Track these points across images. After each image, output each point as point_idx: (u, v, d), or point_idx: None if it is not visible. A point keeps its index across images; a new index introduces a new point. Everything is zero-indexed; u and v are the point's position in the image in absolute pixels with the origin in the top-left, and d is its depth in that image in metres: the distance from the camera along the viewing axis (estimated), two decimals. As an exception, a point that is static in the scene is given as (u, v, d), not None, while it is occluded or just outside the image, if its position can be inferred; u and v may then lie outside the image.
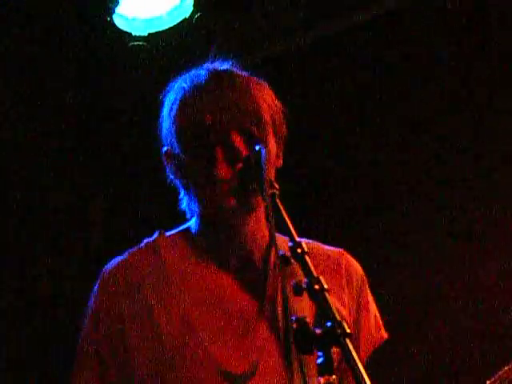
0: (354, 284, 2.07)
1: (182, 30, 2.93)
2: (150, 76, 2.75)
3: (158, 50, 2.94)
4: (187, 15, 3.00)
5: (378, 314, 2.09)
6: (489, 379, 2.14)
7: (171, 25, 3.04)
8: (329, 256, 2.02)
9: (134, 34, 2.89)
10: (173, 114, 2.00)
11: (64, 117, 3.66)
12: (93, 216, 3.82)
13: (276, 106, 2.01)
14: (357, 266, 2.09)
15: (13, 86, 3.46)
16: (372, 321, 2.07)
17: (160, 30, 2.96)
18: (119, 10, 2.83)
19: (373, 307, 2.10)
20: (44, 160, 3.70)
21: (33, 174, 3.74)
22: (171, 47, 2.94)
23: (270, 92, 2.01)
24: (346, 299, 1.98)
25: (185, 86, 2.00)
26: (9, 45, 3.23)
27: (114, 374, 1.99)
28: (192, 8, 2.98)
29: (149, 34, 2.92)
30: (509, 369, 2.19)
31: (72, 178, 3.76)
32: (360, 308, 2.04)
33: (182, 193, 2.04)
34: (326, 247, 2.06)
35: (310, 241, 1.98)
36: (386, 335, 2.08)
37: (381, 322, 2.08)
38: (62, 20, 3.16)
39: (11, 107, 3.47)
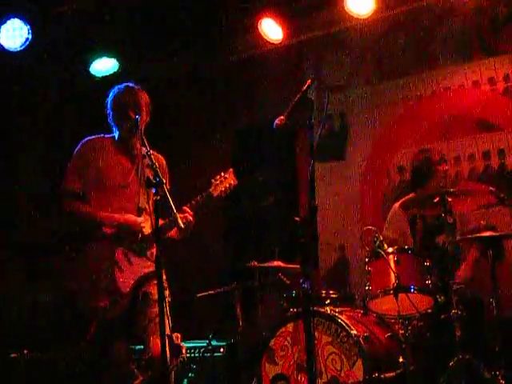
0: (164, 168, 4.98)
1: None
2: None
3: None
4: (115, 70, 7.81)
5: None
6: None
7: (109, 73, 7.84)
8: (157, 158, 4.85)
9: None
10: (112, 99, 4.92)
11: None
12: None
13: (148, 102, 4.96)
14: (164, 162, 5.05)
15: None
16: (168, 185, 4.83)
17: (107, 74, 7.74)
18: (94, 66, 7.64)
19: (168, 179, 4.94)
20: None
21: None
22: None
23: (147, 95, 4.97)
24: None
25: (118, 90, 4.94)
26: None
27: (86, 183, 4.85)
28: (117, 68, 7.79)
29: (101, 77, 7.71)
30: (201, 196, 4.99)
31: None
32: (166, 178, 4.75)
33: (114, 127, 4.95)
34: (156, 153, 4.77)
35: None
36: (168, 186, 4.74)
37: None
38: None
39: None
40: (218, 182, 5.02)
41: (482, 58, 7.15)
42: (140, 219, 4.81)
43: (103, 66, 7.71)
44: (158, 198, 4.25)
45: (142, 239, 4.82)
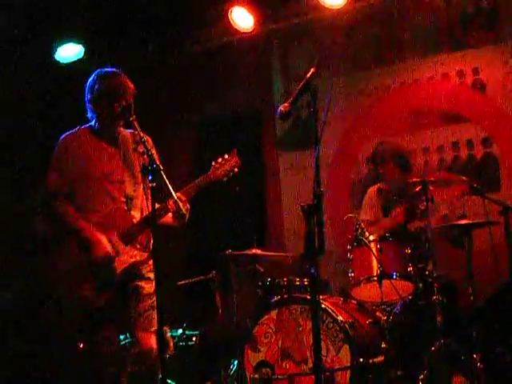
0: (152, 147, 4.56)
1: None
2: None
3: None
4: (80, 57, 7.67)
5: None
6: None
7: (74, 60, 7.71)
8: (147, 140, 4.47)
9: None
10: (100, 84, 4.73)
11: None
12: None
13: (132, 87, 4.77)
14: (151, 141, 4.68)
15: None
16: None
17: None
18: (58, 53, 7.47)
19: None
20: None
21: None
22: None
23: (129, 80, 4.78)
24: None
25: (105, 74, 4.77)
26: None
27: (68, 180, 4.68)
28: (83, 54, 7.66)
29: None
30: (199, 180, 4.81)
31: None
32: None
33: (94, 113, 4.79)
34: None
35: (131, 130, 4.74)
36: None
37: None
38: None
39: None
40: (218, 165, 4.88)
41: (452, 51, 7.32)
42: (110, 255, 4.64)
43: (68, 52, 7.54)
44: (154, 184, 4.14)
45: (130, 228, 4.71)
